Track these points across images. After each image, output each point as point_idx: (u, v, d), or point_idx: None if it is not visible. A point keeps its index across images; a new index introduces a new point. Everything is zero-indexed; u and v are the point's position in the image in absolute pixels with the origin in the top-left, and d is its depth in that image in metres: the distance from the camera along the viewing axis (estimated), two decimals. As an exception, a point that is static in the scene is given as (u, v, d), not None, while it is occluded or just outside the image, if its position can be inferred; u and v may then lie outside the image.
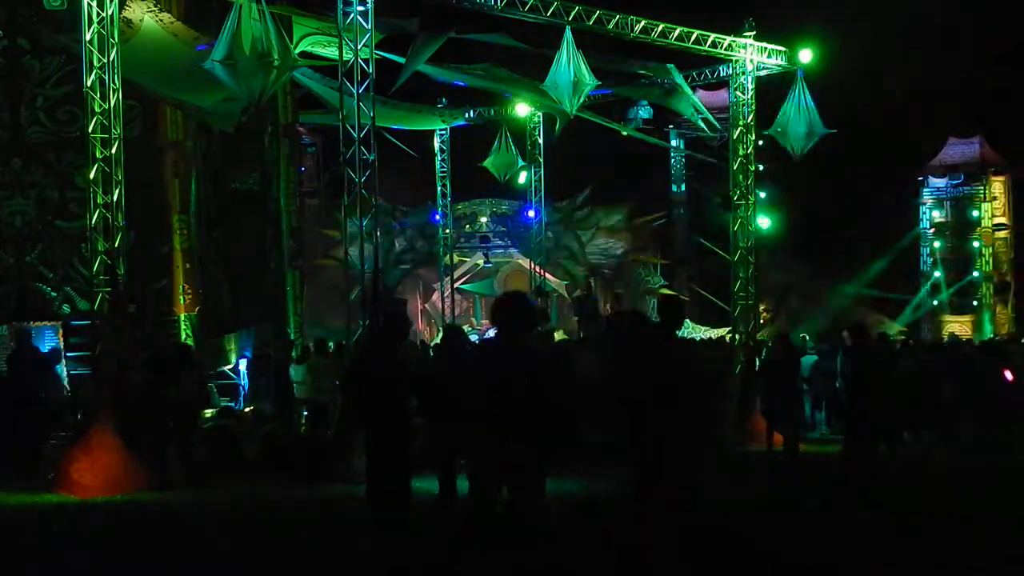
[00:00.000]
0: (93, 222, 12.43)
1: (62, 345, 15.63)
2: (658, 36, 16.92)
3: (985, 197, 35.55)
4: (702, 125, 20.26)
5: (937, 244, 36.37)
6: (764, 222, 25.81)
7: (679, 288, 34.02)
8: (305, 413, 15.39)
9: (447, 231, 27.63)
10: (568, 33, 15.67)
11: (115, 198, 12.37)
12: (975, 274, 35.63)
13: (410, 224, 32.21)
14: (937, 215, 36.63)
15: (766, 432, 14.04)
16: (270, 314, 20.30)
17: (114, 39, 12.44)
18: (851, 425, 12.19)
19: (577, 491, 9.77)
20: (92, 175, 12.38)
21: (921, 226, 36.61)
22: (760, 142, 19.74)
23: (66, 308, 16.45)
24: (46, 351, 14.91)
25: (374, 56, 14.05)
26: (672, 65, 18.35)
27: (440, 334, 28.09)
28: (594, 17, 16.09)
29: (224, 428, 14.09)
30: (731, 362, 17.60)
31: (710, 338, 26.46)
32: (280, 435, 13.82)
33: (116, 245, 12.35)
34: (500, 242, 32.18)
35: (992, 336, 28.98)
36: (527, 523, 6.41)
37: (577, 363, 13.80)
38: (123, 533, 9.07)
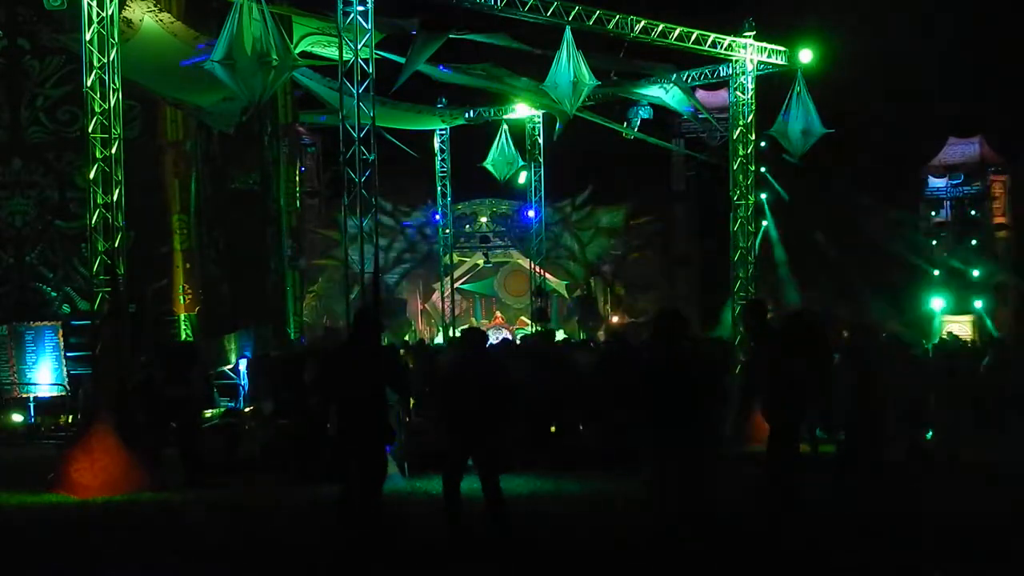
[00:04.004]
0: (93, 222, 12.42)
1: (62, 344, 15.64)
2: (658, 36, 16.92)
3: (985, 197, 35.52)
4: (699, 125, 20.27)
5: (936, 243, 36.32)
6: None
7: (680, 288, 33.98)
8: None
9: (447, 231, 27.64)
10: (568, 33, 15.67)
11: (115, 198, 12.35)
12: (974, 274, 35.55)
13: (410, 224, 32.23)
14: (937, 215, 36.56)
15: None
16: (270, 314, 20.32)
17: (114, 39, 12.43)
18: (851, 425, 12.15)
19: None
20: (92, 175, 12.37)
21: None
22: (763, 143, 19.70)
23: (66, 308, 16.47)
24: None
25: (374, 56, 14.05)
26: (671, 68, 18.37)
27: (441, 334, 28.11)
28: (594, 17, 16.08)
29: (230, 427, 14.08)
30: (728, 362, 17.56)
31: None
32: (280, 435, 13.78)
33: (116, 245, 12.34)
34: (500, 242, 32.17)
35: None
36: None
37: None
38: (123, 533, 9.07)
